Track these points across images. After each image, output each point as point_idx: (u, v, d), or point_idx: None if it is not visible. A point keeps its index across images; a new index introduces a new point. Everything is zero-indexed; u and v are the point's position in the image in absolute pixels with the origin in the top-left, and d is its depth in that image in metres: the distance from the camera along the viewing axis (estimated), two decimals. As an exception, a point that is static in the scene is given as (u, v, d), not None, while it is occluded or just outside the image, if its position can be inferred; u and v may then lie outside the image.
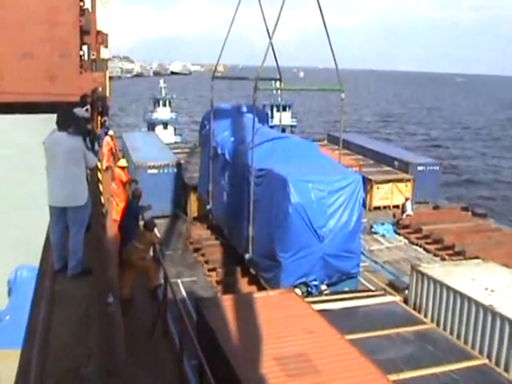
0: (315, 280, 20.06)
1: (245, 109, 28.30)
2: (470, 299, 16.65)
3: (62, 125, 8.82)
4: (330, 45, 21.92)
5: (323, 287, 20.20)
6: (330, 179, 20.42)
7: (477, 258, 22.76)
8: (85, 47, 24.16)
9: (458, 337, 16.81)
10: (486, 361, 15.35)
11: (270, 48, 22.19)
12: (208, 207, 27.96)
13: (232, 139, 25.62)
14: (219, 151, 25.93)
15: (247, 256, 21.95)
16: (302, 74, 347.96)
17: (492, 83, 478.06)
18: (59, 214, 8.82)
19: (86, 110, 17.05)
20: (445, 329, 17.38)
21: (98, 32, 33.05)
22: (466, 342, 16.51)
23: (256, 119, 22.15)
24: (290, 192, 19.47)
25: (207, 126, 28.15)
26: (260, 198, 21.36)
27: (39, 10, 15.08)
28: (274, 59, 26.01)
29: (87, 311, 7.54)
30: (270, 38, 21.98)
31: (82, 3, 17.27)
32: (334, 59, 22.14)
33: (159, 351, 11.88)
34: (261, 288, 20.68)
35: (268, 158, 21.92)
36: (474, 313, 16.39)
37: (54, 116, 8.90)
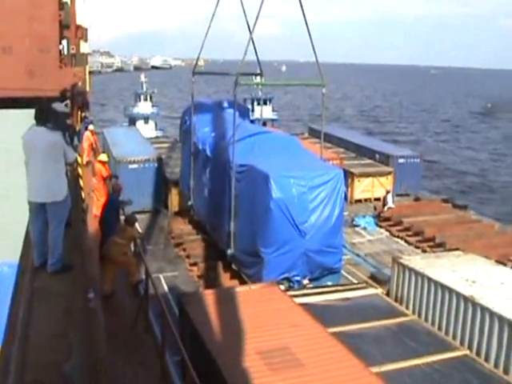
0: (297, 275, 20.09)
1: (226, 104, 28.25)
2: (450, 290, 16.75)
3: (40, 120, 8.74)
4: (311, 39, 21.92)
5: (305, 282, 20.23)
6: (311, 174, 20.42)
7: (457, 249, 22.88)
8: (64, 42, 24.00)
9: (440, 328, 16.91)
10: (467, 351, 15.44)
11: (251, 43, 22.17)
12: (189, 203, 27.89)
13: (213, 135, 25.56)
14: (200, 147, 25.85)
15: (229, 252, 21.92)
16: (284, 68, 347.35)
17: (461, 75, 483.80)
18: (38, 210, 8.75)
19: (66, 104, 16.95)
20: (426, 320, 17.48)
21: (78, 26, 32.81)
22: (447, 333, 16.61)
23: (237, 114, 22.10)
24: (272, 187, 19.46)
25: (188, 122, 28.05)
26: (241, 194, 21.33)
27: (18, 4, 14.95)
28: (255, 54, 26.00)
29: (68, 307, 7.49)
30: (251, 33, 21.94)
31: (60, -2, 17.06)
32: (315, 54, 22.14)
33: (141, 347, 11.84)
34: (243, 282, 20.69)
35: (249, 153, 21.87)
36: (455, 304, 16.50)
37: (33, 111, 8.82)
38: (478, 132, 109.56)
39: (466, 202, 40.84)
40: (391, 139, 77.51)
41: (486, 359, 15.15)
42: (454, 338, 16.31)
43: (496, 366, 14.88)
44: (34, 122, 8.85)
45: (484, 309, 15.48)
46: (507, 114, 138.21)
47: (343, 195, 21.17)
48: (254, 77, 33.44)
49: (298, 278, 20.06)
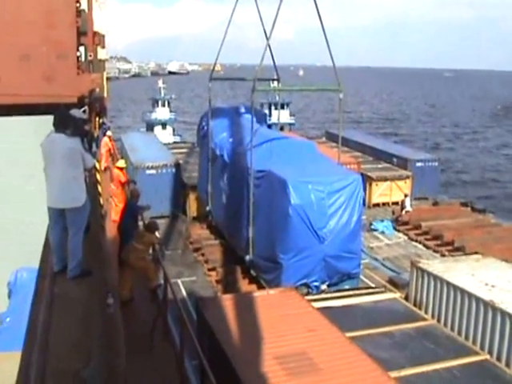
0: (316, 281, 20.04)
1: (243, 109, 28.26)
2: (470, 295, 16.63)
3: (59, 126, 8.82)
4: (328, 44, 21.87)
5: (323, 287, 20.19)
6: (329, 180, 20.37)
7: (476, 253, 22.73)
8: (82, 48, 24.17)
9: (459, 333, 16.79)
10: (488, 356, 15.33)
11: (268, 48, 22.21)
12: (207, 208, 27.95)
13: (231, 140, 25.58)
14: (218, 152, 25.89)
15: (247, 258, 21.92)
16: (301, 73, 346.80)
17: (473, 77, 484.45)
18: (58, 216, 8.82)
19: (84, 111, 17.07)
20: (445, 325, 17.36)
21: (95, 33, 33.04)
22: (466, 337, 16.49)
23: (254, 120, 22.12)
24: (290, 193, 19.42)
25: (205, 127, 28.11)
26: (259, 200, 21.32)
27: (36, 12, 15.07)
28: (272, 60, 26.01)
29: (87, 312, 7.54)
30: (268, 39, 21.96)
31: (78, 4, 17.28)
32: (332, 59, 22.11)
33: (160, 352, 11.87)
34: (261, 287, 20.67)
35: (267, 159, 21.86)
36: (475, 308, 16.37)
37: (51, 117, 8.90)
38: (490, 136, 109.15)
39: (485, 206, 40.58)
40: (408, 143, 77.30)
41: (507, 364, 15.00)
42: (474, 342, 16.19)
43: (517, 370, 14.77)
44: (52, 128, 8.92)
45: (504, 313, 15.35)
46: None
47: (362, 200, 21.11)
48: (271, 82, 33.45)
49: (316, 284, 20.02)
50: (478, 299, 16.25)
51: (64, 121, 8.93)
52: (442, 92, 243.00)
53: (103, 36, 40.20)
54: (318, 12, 21.54)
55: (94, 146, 22.74)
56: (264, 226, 20.93)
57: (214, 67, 27.68)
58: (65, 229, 8.86)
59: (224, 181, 25.25)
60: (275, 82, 30.17)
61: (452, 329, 17.03)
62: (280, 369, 11.56)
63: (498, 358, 15.26)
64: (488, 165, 77.51)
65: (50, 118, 8.98)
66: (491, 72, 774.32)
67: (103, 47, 41.93)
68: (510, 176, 70.91)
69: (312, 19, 21.86)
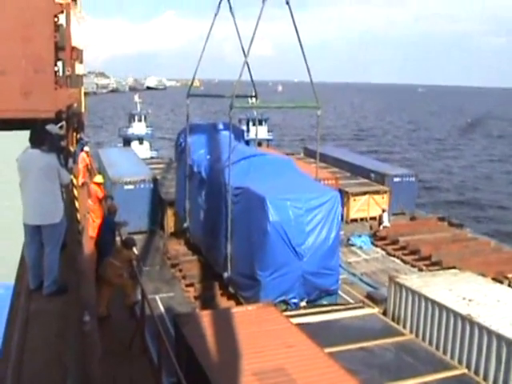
0: (295, 298, 20.04)
1: (221, 126, 28.30)
2: (447, 309, 16.71)
3: (35, 142, 8.74)
4: (306, 61, 21.99)
5: (302, 304, 20.17)
6: (307, 196, 20.41)
7: (454, 267, 22.91)
8: (60, 63, 24.05)
9: (438, 347, 16.85)
10: (466, 370, 15.39)
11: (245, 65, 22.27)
12: (185, 225, 27.82)
13: (208, 157, 25.56)
14: (195, 169, 25.84)
15: (226, 275, 21.84)
16: (280, 88, 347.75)
17: (446, 93, 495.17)
18: (34, 232, 8.72)
19: (61, 126, 16.95)
20: (424, 339, 17.41)
21: (73, 48, 32.93)
22: (445, 352, 16.55)
23: (232, 136, 22.11)
24: (268, 210, 19.43)
25: (183, 143, 28.06)
26: (237, 217, 21.28)
27: (13, 25, 14.96)
28: (250, 77, 26.07)
29: (63, 330, 7.44)
30: (246, 57, 22.03)
31: (56, 19, 17.18)
32: (310, 76, 22.26)
33: (137, 369, 11.76)
34: (239, 303, 20.61)
35: (245, 175, 21.84)
36: (453, 323, 16.45)
37: (27, 133, 8.82)
38: (463, 149, 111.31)
39: (461, 219, 40.91)
40: (385, 158, 77.81)
41: (485, 378, 15.09)
42: (452, 357, 16.25)
43: (494, 384, 14.84)
44: (28, 144, 8.84)
45: (481, 327, 15.44)
46: (483, 128, 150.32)
47: (340, 217, 21.15)
48: (249, 98, 33.53)
49: (295, 301, 20.01)
50: (456, 313, 16.34)
51: (40, 136, 8.85)
52: (416, 107, 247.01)
53: (81, 51, 40.06)
54: (296, 29, 21.66)
55: (71, 161, 22.61)
56: (242, 243, 20.88)
57: (191, 84, 27.66)
58: (41, 245, 8.76)
59: (202, 197, 25.18)
60: (253, 99, 30.24)
61: (430, 343, 17.09)
62: (258, 385, 11.51)
63: (476, 372, 15.35)
64: (464, 179, 78.35)
65: (25, 133, 8.91)
66: (460, 87, 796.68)
67: (81, 62, 41.78)
68: (484, 189, 71.61)
69: (290, 35, 21.96)
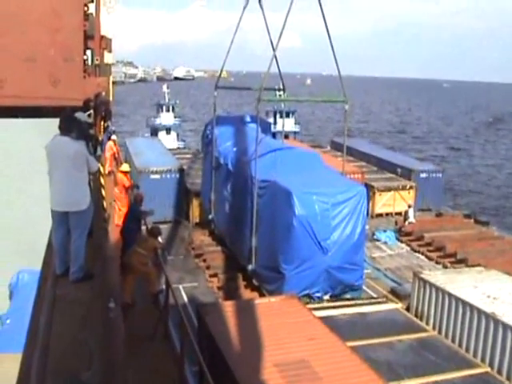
0: (318, 292, 20.02)
1: (248, 119, 28.26)
2: (472, 307, 16.60)
3: (64, 129, 8.81)
4: (335, 55, 21.87)
5: (326, 298, 20.16)
6: (333, 191, 20.37)
7: (479, 265, 22.72)
8: (88, 52, 24.20)
9: (460, 344, 16.75)
10: (488, 369, 15.30)
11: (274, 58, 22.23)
12: (210, 217, 27.87)
13: (235, 149, 25.55)
14: (222, 161, 25.86)
15: (250, 267, 21.85)
16: (309, 81, 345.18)
17: (469, 88, 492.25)
18: (61, 219, 8.80)
19: (89, 114, 17.09)
20: (447, 336, 17.32)
21: (102, 37, 33.12)
22: (467, 349, 16.46)
23: (259, 129, 22.09)
24: (295, 204, 19.40)
25: (210, 135, 28.09)
26: (263, 210, 21.28)
27: (43, 14, 15.10)
28: (278, 70, 25.99)
29: (88, 316, 7.52)
30: (274, 50, 21.98)
31: (86, 8, 17.31)
32: (338, 70, 22.15)
33: (160, 356, 11.84)
34: (262, 295, 20.65)
35: (271, 169, 21.82)
36: (476, 320, 16.34)
37: (57, 120, 8.89)
38: (487, 146, 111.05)
39: (487, 217, 40.56)
40: (412, 153, 77.43)
41: (508, 377, 14.98)
42: (475, 355, 16.15)
43: (518, 384, 14.74)
44: (57, 131, 8.92)
45: (506, 326, 15.32)
46: (504, 125, 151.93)
47: (366, 212, 21.07)
48: (276, 91, 33.45)
49: (318, 295, 19.99)
50: (480, 311, 16.23)
51: (69, 124, 8.92)
52: (442, 103, 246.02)
53: (110, 40, 40.29)
54: (326, 22, 21.54)
55: (98, 149, 22.71)
56: (267, 236, 20.88)
57: (219, 75, 27.64)
58: (68, 232, 8.84)
59: (227, 189, 25.21)
60: (281, 91, 30.18)
61: (453, 340, 17.00)
62: (280, 376, 11.54)
63: (499, 371, 15.24)
64: (491, 176, 77.69)
65: (55, 121, 8.98)
66: (487, 84, 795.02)
67: (110, 51, 42.02)
68: (508, 186, 71.02)
69: (319, 27, 21.83)
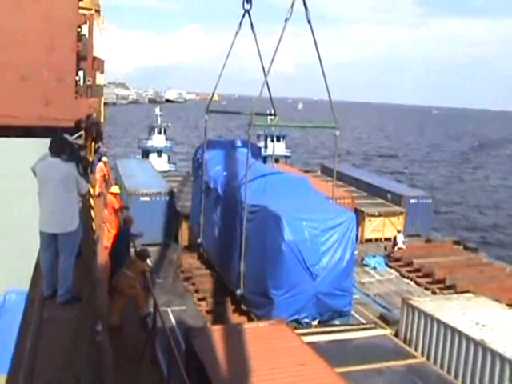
0: (307, 317, 19.95)
1: (239, 143, 28.30)
2: (460, 333, 16.58)
3: (55, 151, 8.80)
4: (325, 80, 21.93)
5: (314, 323, 20.09)
6: (323, 217, 20.36)
7: (468, 292, 22.71)
8: (81, 73, 24.24)
9: (449, 371, 16.71)
10: (477, 396, 15.26)
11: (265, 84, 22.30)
12: (199, 240, 27.76)
13: (225, 173, 25.52)
14: (211, 185, 25.82)
15: (238, 292, 21.75)
16: (300, 106, 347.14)
17: (457, 115, 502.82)
18: (50, 240, 8.77)
19: (80, 135, 17.10)
20: (435, 363, 17.28)
21: (95, 58, 33.24)
22: (456, 376, 16.41)
23: (249, 154, 22.11)
24: (284, 229, 19.37)
25: (200, 159, 28.08)
26: (252, 234, 21.23)
27: (37, 34, 15.15)
28: (269, 95, 26.11)
29: (75, 339, 7.45)
30: (266, 76, 22.06)
31: (79, 29, 17.37)
32: (329, 96, 22.21)
33: (147, 380, 11.75)
34: (251, 319, 20.54)
35: (261, 193, 21.80)
36: (465, 347, 16.31)
37: (44, 140, 8.89)
38: (475, 172, 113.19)
39: (476, 243, 40.69)
40: (401, 179, 77.96)
41: (496, 405, 14.95)
42: (464, 381, 16.11)
43: (506, 412, 14.70)
44: (45, 151, 8.91)
45: (495, 353, 15.30)
46: (490, 150, 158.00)
47: (355, 238, 21.09)
48: (268, 117, 33.53)
49: (307, 320, 19.92)
50: (469, 338, 16.20)
51: (60, 145, 8.92)
52: (432, 129, 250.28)
53: (102, 61, 40.42)
54: (317, 48, 21.65)
55: (88, 171, 22.71)
56: (256, 261, 20.82)
57: (211, 99, 27.64)
58: (56, 253, 8.80)
59: (217, 214, 25.15)
60: (272, 116, 30.27)
61: (442, 367, 16.96)
62: (268, 402, 11.45)
63: (488, 398, 15.19)
64: (479, 202, 78.35)
65: (42, 141, 8.99)
66: (476, 110, 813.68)
67: (102, 72, 42.14)
68: (499, 213, 71.45)
69: (311, 53, 21.96)
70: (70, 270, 8.74)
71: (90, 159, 29.43)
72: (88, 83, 30.26)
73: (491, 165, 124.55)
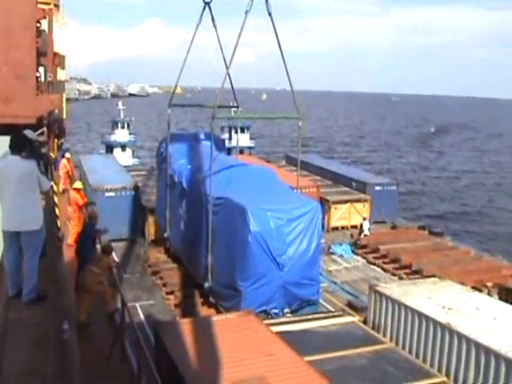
0: (275, 308, 20.03)
1: (202, 136, 28.24)
2: (427, 318, 16.77)
3: (15, 148, 8.71)
4: (287, 71, 22.04)
5: (285, 311, 20.22)
6: (288, 207, 20.44)
7: (434, 276, 22.97)
8: (41, 69, 23.94)
9: (417, 355, 16.90)
10: (445, 378, 15.46)
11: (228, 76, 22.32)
12: (165, 235, 27.69)
13: (189, 167, 25.46)
14: (176, 179, 25.74)
15: (206, 285, 21.76)
16: (264, 97, 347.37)
17: (417, 102, 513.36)
18: (12, 239, 8.69)
19: (42, 132, 16.90)
20: (404, 348, 17.46)
21: (55, 54, 32.89)
22: (424, 360, 16.61)
23: (213, 146, 22.09)
24: (249, 221, 19.41)
25: (164, 153, 27.97)
26: (218, 227, 21.24)
27: (-5, 31, 14.86)
28: (231, 88, 26.10)
29: (42, 338, 7.40)
30: (227, 68, 22.06)
31: (38, 25, 17.13)
32: (291, 86, 22.34)
33: (117, 376, 11.72)
34: (220, 311, 20.57)
35: (226, 186, 21.79)
36: (432, 331, 16.51)
37: (8, 138, 8.79)
38: (434, 157, 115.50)
39: (441, 228, 41.14)
40: (365, 166, 78.58)
41: (464, 386, 15.18)
42: (432, 365, 16.31)
43: (473, 392, 14.93)
44: (5, 149, 8.81)
45: (460, 336, 15.52)
46: (445, 136, 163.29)
47: (320, 227, 21.20)
48: (231, 109, 33.49)
49: (276, 311, 20.01)
50: (436, 322, 16.41)
51: (20, 143, 8.83)
52: (391, 116, 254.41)
53: (63, 57, 40.04)
54: (278, 40, 21.72)
55: (52, 167, 22.50)
56: (223, 253, 20.84)
57: (173, 93, 27.52)
58: (20, 252, 8.73)
59: (182, 207, 25.09)
60: (235, 108, 30.24)
61: (410, 351, 17.14)
62: (238, 393, 11.49)
63: (455, 380, 15.43)
64: (440, 188, 79.61)
65: (6, 139, 8.88)
66: (431, 96, 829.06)
67: (63, 68, 41.74)
68: (463, 198, 72.50)
69: (272, 44, 21.97)
70: (35, 269, 8.67)
71: (53, 156, 29.18)
72: (49, 79, 29.93)
73: (450, 150, 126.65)
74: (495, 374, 14.40)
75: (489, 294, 23.26)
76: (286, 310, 20.29)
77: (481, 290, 22.79)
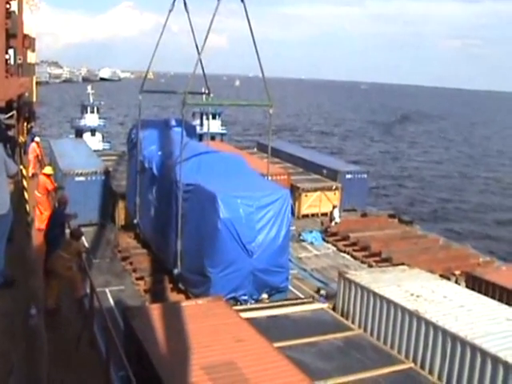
0: (245, 295, 20.12)
1: (173, 122, 28.16)
2: (396, 305, 16.91)
3: (-18, 132, 8.61)
4: (259, 58, 22.07)
5: (264, 296, 20.35)
6: (258, 194, 20.51)
7: (403, 264, 23.16)
8: (11, 51, 23.61)
9: (385, 342, 17.04)
10: (412, 364, 15.61)
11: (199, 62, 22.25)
12: (135, 221, 27.60)
13: (159, 153, 25.39)
14: (146, 165, 25.65)
15: (176, 271, 21.76)
16: (237, 83, 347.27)
17: (385, 90, 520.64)
18: (-21, 224, 8.59)
19: (12, 115, 16.72)
20: (372, 334, 17.59)
21: (25, 36, 32.42)
22: (392, 346, 16.76)
23: (184, 133, 22.04)
24: (219, 207, 19.45)
25: (134, 139, 27.84)
26: (188, 213, 21.23)
27: (-38, 13, 14.60)
28: (203, 74, 26.02)
29: (10, 324, 7.34)
30: (199, 54, 22.00)
31: (8, 5, 16.89)
32: (263, 73, 22.35)
33: (86, 362, 11.67)
34: (189, 297, 20.58)
35: (196, 172, 21.79)
36: (400, 318, 16.65)
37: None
38: (403, 145, 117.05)
39: (411, 217, 41.50)
40: (336, 154, 79.09)
41: (430, 372, 15.32)
42: (399, 351, 16.46)
43: (439, 378, 15.07)
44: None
45: (428, 323, 15.67)
46: (411, 123, 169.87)
47: (290, 215, 21.28)
48: (202, 95, 33.39)
49: (245, 298, 20.08)
50: (404, 309, 16.54)
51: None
52: (362, 104, 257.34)
53: (34, 39, 39.50)
54: (250, 27, 21.70)
55: (21, 151, 22.25)
56: (192, 240, 20.85)
57: (144, 78, 27.28)
58: (-14, 237, 8.63)
59: (152, 193, 25.02)
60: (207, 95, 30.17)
61: (378, 338, 17.28)
62: (207, 379, 11.52)
63: (422, 366, 15.58)
64: (410, 175, 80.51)
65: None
66: (398, 85, 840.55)
67: (33, 51, 41.21)
68: (432, 187, 73.20)
69: (245, 30, 21.93)
70: (2, 254, 8.59)
71: (23, 139, 28.85)
72: (19, 62, 29.54)
73: (420, 139, 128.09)
74: (461, 360, 14.58)
75: (456, 281, 23.51)
76: (253, 299, 20.39)
77: (449, 278, 23.04)
